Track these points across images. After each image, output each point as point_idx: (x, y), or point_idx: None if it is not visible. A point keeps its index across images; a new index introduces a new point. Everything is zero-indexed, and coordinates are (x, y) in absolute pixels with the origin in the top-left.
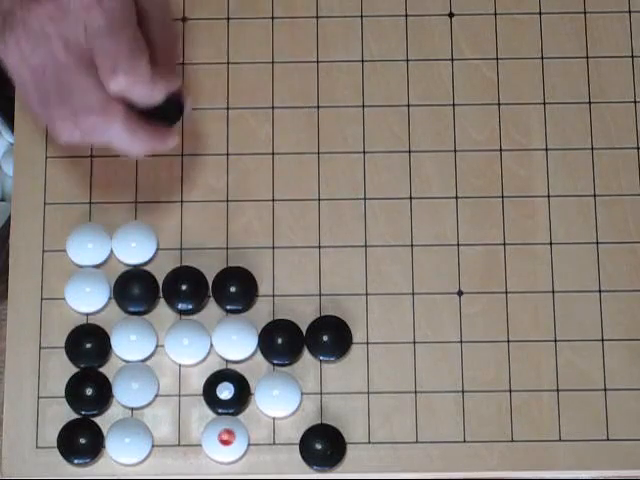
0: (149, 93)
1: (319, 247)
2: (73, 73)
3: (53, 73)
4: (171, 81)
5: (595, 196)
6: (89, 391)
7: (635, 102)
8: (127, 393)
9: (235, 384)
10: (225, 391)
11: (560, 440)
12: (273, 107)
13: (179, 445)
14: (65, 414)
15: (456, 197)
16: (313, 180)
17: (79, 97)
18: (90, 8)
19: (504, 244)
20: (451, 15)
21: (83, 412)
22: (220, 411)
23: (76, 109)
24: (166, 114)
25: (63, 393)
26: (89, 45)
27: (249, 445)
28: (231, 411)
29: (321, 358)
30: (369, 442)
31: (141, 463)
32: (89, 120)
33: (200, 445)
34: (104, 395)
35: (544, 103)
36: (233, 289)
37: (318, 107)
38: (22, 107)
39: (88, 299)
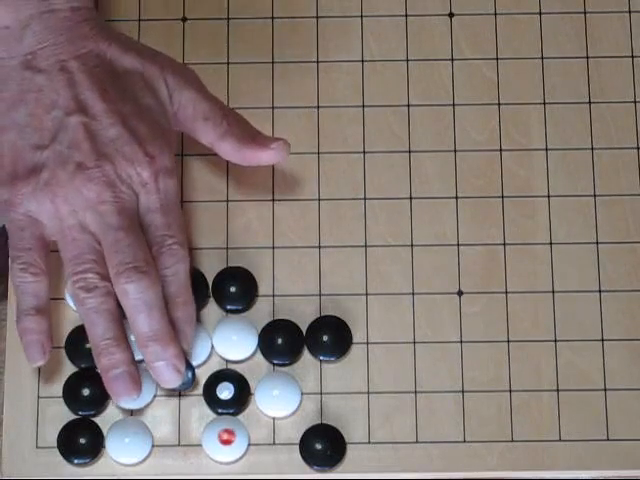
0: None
1: (319, 247)
2: (127, 233)
3: (92, 238)
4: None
5: (595, 196)
6: (86, 391)
7: (635, 102)
8: None
9: (235, 384)
10: (225, 391)
11: (560, 440)
12: (273, 107)
13: (179, 445)
14: (65, 414)
15: (456, 197)
16: (313, 180)
17: (129, 252)
18: (146, 185)
19: (504, 244)
20: (451, 15)
21: (80, 412)
22: (220, 411)
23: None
24: None
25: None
26: (141, 216)
27: (249, 445)
28: (231, 411)
29: (321, 358)
30: (369, 442)
31: (141, 463)
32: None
33: (200, 445)
34: (102, 395)
35: (544, 103)
36: (233, 289)
37: (318, 107)
38: None
39: None
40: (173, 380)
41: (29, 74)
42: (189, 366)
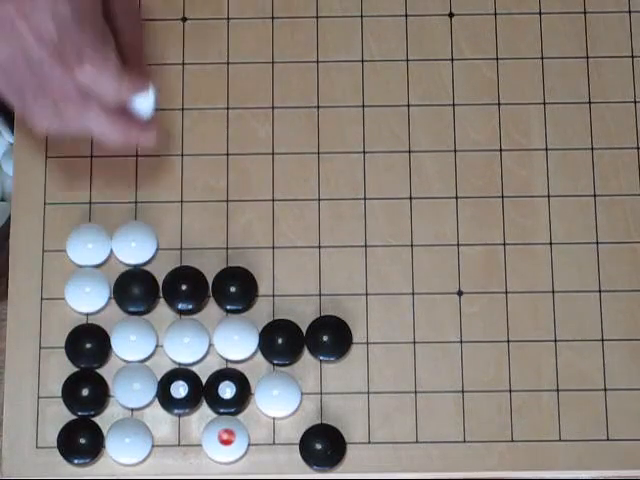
0: (117, 87)
1: (319, 247)
2: (48, 65)
3: (26, 66)
4: (140, 81)
5: (595, 196)
6: (86, 391)
7: (635, 102)
8: (127, 393)
9: (236, 383)
10: (227, 390)
11: (560, 440)
12: (273, 107)
13: (179, 445)
14: (65, 414)
15: (456, 197)
16: (313, 180)
17: (57, 87)
18: None
19: (504, 244)
20: (451, 15)
21: (80, 412)
22: (221, 410)
23: (55, 98)
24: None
25: None
26: (59, 37)
27: (249, 445)
28: (232, 410)
29: (321, 358)
30: (369, 442)
31: (141, 463)
32: (68, 108)
33: (200, 445)
34: (100, 396)
35: (544, 103)
36: (233, 289)
37: (318, 107)
38: None
39: (88, 299)
40: (112, 86)
41: None
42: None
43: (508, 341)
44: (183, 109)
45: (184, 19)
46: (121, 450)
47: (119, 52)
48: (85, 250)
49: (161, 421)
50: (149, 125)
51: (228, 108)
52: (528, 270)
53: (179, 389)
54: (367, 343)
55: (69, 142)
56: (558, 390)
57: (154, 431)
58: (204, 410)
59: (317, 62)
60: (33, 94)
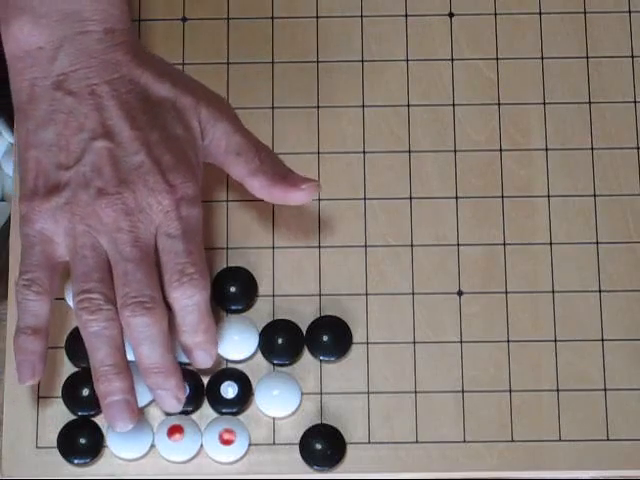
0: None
1: (319, 247)
2: (138, 266)
3: (103, 258)
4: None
5: (595, 196)
6: (86, 391)
7: (635, 102)
8: None
9: (239, 383)
10: (229, 389)
11: (560, 440)
12: (273, 107)
13: None
14: (65, 414)
15: (456, 197)
16: None
17: (136, 287)
18: (167, 213)
19: (504, 244)
20: (451, 15)
21: (80, 412)
22: (224, 410)
23: (125, 294)
24: None
25: None
26: (159, 244)
27: (250, 445)
28: (234, 410)
29: (321, 358)
30: (369, 442)
31: (141, 459)
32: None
33: (200, 445)
34: None
35: (544, 103)
36: (233, 289)
37: (318, 107)
38: None
39: None
40: (174, 407)
41: (60, 95)
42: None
43: (508, 341)
44: None
45: (184, 19)
46: (122, 445)
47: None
48: None
49: (161, 421)
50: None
51: None
52: (528, 270)
53: None
54: (367, 343)
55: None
56: (558, 390)
57: (154, 431)
58: (204, 410)
59: (317, 62)
60: (96, 281)
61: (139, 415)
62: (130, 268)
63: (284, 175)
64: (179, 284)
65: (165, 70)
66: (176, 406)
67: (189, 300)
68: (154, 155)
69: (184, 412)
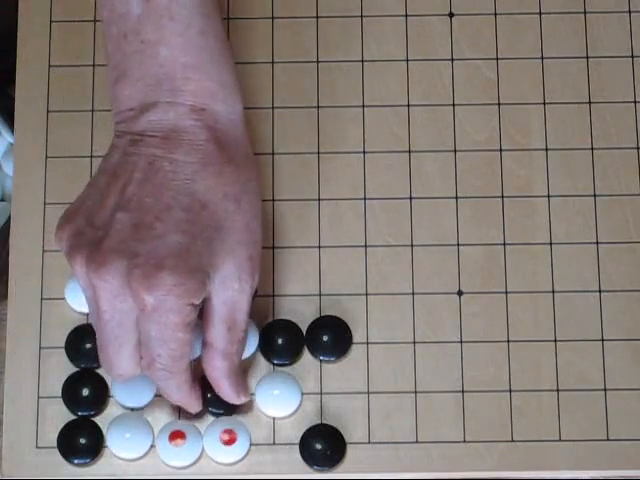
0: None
1: (319, 247)
2: (178, 343)
3: (134, 326)
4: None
5: (595, 196)
6: (86, 391)
7: (635, 102)
8: (126, 393)
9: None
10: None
11: (560, 440)
12: (273, 107)
13: None
14: (65, 414)
15: (456, 197)
16: (313, 180)
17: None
18: (148, 317)
19: (504, 244)
20: (451, 15)
21: (80, 412)
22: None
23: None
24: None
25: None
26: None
27: (250, 445)
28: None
29: (321, 358)
30: (369, 442)
31: (141, 459)
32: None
33: (202, 449)
34: (100, 396)
35: (544, 103)
36: None
37: (318, 107)
38: (22, 107)
39: None
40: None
41: (130, 151)
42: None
43: (508, 341)
44: None
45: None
46: (122, 445)
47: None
48: None
49: (161, 421)
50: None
51: None
52: (528, 270)
53: None
54: (367, 343)
55: (69, 142)
56: (558, 390)
57: (154, 430)
58: (204, 410)
59: (317, 62)
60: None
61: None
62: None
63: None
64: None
65: (237, 192)
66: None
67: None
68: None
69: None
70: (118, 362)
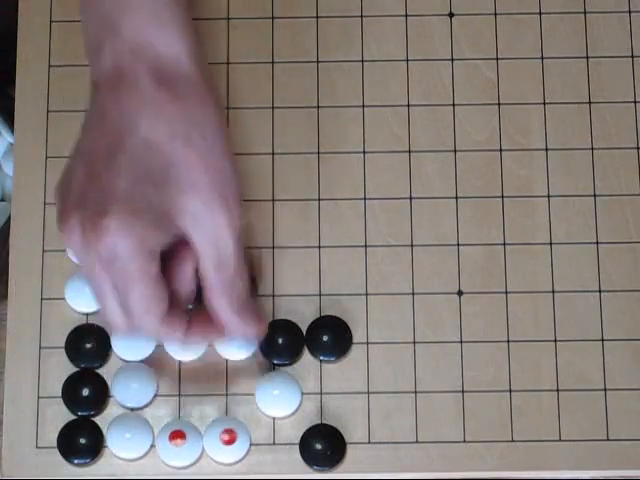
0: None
1: (319, 247)
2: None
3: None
4: (205, 335)
5: (595, 196)
6: (86, 391)
7: (635, 102)
8: (126, 393)
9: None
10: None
11: (560, 440)
12: (273, 107)
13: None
14: (65, 414)
15: (456, 197)
16: (313, 180)
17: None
18: (106, 265)
19: (504, 244)
20: (451, 15)
21: (80, 412)
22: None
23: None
24: None
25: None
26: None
27: (250, 445)
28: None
29: (321, 358)
30: (369, 442)
31: (141, 459)
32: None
33: (202, 449)
34: (100, 396)
35: (544, 103)
36: None
37: (318, 107)
38: (22, 107)
39: (88, 299)
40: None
41: (91, 102)
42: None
43: (508, 341)
44: None
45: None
46: (122, 445)
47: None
48: None
49: (161, 420)
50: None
51: (228, 108)
52: (528, 270)
53: None
54: (367, 343)
55: (69, 142)
56: (558, 390)
57: (154, 430)
58: (205, 410)
59: (317, 62)
60: (110, 293)
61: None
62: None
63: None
64: None
65: (186, 128)
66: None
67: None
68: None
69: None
70: (107, 313)
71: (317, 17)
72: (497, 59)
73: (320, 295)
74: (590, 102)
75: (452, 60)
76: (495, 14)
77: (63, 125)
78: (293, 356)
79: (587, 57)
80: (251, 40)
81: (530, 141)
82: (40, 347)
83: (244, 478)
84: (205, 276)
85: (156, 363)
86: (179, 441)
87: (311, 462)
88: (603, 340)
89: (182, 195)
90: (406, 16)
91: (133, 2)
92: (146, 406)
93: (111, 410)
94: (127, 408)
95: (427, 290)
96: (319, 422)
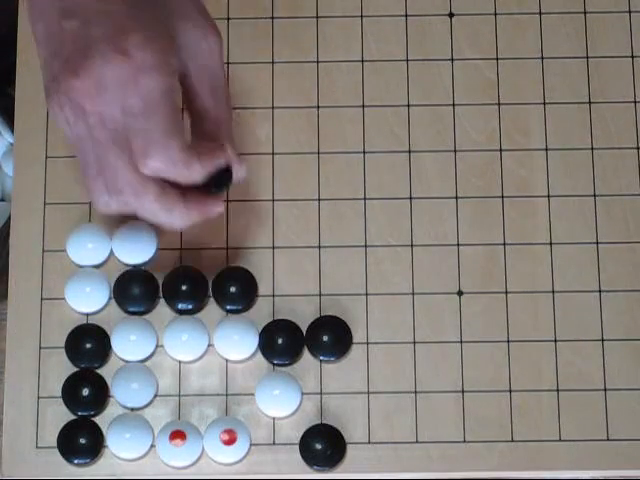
0: (185, 174)
1: (319, 247)
2: (106, 150)
3: (90, 146)
4: (214, 157)
5: (595, 196)
6: (86, 391)
7: (635, 102)
8: (126, 393)
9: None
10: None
11: (560, 440)
12: (273, 107)
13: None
14: (65, 414)
15: (456, 197)
16: (313, 180)
17: (110, 175)
18: (126, 86)
19: (504, 244)
20: (451, 15)
21: (80, 412)
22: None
23: (108, 185)
24: (213, 182)
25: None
26: (125, 124)
27: (251, 445)
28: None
29: (321, 358)
30: (369, 442)
31: (141, 459)
32: (120, 198)
33: (202, 449)
34: (100, 396)
35: (544, 103)
36: (233, 289)
37: (318, 107)
38: (22, 107)
39: (88, 299)
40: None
41: None
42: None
43: (508, 341)
44: (183, 109)
45: None
46: (122, 445)
47: (200, 130)
48: (85, 250)
49: (161, 421)
50: (214, 201)
51: None
52: (528, 270)
53: None
54: (367, 343)
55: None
56: (558, 390)
57: (154, 430)
58: (204, 410)
59: (317, 62)
60: (95, 172)
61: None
62: (101, 152)
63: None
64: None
65: None
66: (188, 172)
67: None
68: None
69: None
70: (97, 189)
71: (317, 17)
72: (497, 59)
73: (320, 295)
74: (590, 102)
75: (452, 60)
76: (495, 14)
77: None
78: (293, 356)
79: (587, 57)
80: (251, 40)
81: (530, 141)
82: (40, 347)
83: (244, 478)
84: (204, 107)
85: (156, 363)
86: (179, 441)
87: (311, 462)
88: (603, 340)
89: (179, 21)
90: (406, 16)
91: None
92: (146, 406)
93: (111, 410)
94: (127, 408)
95: (427, 290)
96: (319, 422)
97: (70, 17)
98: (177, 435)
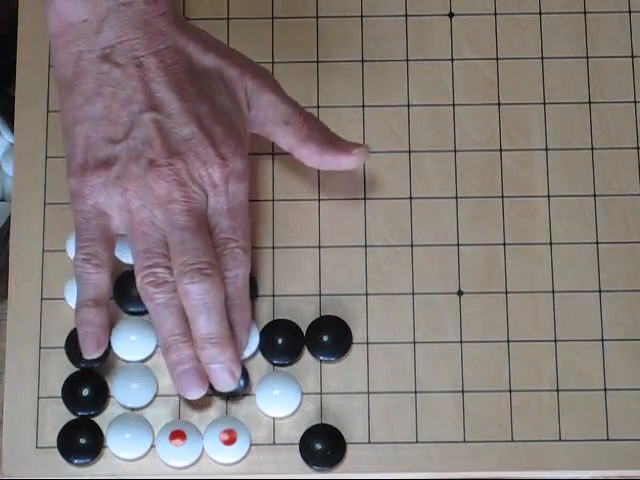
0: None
1: (319, 247)
2: (194, 234)
3: (161, 232)
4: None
5: (595, 196)
6: (86, 391)
7: (635, 102)
8: (126, 393)
9: (244, 377)
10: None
11: (560, 440)
12: None
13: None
14: (65, 414)
15: (456, 197)
16: (314, 180)
17: (194, 254)
18: (216, 186)
19: (504, 244)
20: (451, 15)
21: (80, 412)
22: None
23: (191, 265)
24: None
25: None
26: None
27: (251, 445)
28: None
29: (321, 358)
30: (369, 442)
31: (142, 459)
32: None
33: (202, 449)
34: (100, 396)
35: (544, 103)
36: None
37: (318, 107)
38: (22, 107)
39: None
40: (228, 384)
41: (107, 68)
42: (243, 371)
43: (508, 341)
44: None
45: (184, 19)
46: (122, 445)
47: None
48: None
49: (161, 421)
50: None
51: None
52: (528, 270)
53: None
54: (367, 343)
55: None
56: (558, 390)
57: (154, 430)
58: (204, 411)
59: (317, 62)
60: (155, 255)
61: (208, 382)
62: (186, 236)
63: (333, 141)
64: (220, 256)
65: (210, 40)
66: (230, 382)
67: (228, 272)
68: (204, 126)
69: (235, 394)
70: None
71: (317, 17)
72: (497, 59)
73: (320, 295)
74: (590, 102)
75: (452, 60)
76: (495, 14)
77: None
78: (293, 356)
79: (587, 57)
80: (251, 40)
81: (530, 141)
82: (40, 347)
83: (244, 478)
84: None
85: (156, 363)
86: (179, 441)
87: (311, 462)
88: (603, 340)
89: (243, 78)
90: (406, 16)
91: None
92: (146, 406)
93: (111, 410)
94: (127, 408)
95: (427, 290)
96: (319, 422)
97: (151, 110)
98: (177, 435)
